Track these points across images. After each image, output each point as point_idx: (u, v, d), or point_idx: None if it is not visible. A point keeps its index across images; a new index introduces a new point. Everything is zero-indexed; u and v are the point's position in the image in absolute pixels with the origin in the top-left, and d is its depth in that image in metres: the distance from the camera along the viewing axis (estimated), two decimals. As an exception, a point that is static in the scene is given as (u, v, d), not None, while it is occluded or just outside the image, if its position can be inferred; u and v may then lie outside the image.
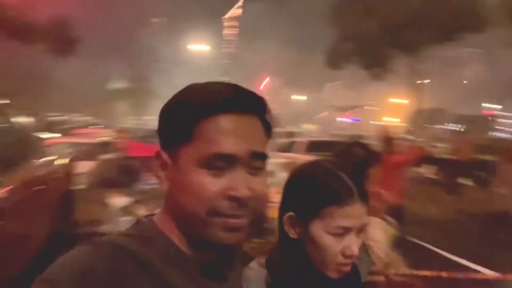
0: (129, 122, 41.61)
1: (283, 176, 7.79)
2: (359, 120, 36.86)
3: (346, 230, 0.86)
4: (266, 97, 0.73)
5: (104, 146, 10.42)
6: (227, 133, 0.65)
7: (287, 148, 11.07)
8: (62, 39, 16.98)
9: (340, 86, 40.02)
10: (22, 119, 9.59)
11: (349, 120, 38.42)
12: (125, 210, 4.89)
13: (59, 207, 4.11)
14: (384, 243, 2.22)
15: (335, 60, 22.18)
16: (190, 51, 54.72)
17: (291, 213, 0.91)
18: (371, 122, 33.62)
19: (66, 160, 5.37)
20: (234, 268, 0.76)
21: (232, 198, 0.64)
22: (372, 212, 0.98)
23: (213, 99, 0.66)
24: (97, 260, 0.60)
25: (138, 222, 0.71)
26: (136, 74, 46.55)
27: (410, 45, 23.42)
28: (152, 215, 0.72)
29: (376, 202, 2.32)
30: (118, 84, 46.42)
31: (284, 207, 0.93)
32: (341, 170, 0.90)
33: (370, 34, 22.72)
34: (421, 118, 26.51)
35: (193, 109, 0.65)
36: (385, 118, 33.95)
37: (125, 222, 4.29)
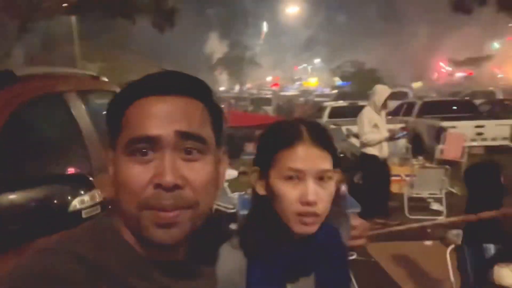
0: (230, 91, 42.42)
1: (403, 144, 6.26)
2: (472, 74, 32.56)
3: (298, 174, 0.79)
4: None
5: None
6: (147, 115, 0.61)
7: (398, 111, 10.20)
8: (161, 12, 17.21)
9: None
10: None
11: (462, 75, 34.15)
12: (232, 185, 4.64)
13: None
14: None
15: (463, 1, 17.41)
16: (286, 15, 53.09)
17: (255, 167, 0.86)
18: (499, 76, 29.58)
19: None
20: (201, 260, 0.72)
21: (157, 186, 0.59)
22: None
23: (134, 85, 0.64)
24: (53, 269, 0.57)
25: (98, 222, 0.67)
26: (236, 41, 46.73)
27: None
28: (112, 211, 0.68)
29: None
30: (218, 53, 47.30)
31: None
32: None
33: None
34: None
35: (119, 99, 0.64)
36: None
37: (234, 199, 4.22)
